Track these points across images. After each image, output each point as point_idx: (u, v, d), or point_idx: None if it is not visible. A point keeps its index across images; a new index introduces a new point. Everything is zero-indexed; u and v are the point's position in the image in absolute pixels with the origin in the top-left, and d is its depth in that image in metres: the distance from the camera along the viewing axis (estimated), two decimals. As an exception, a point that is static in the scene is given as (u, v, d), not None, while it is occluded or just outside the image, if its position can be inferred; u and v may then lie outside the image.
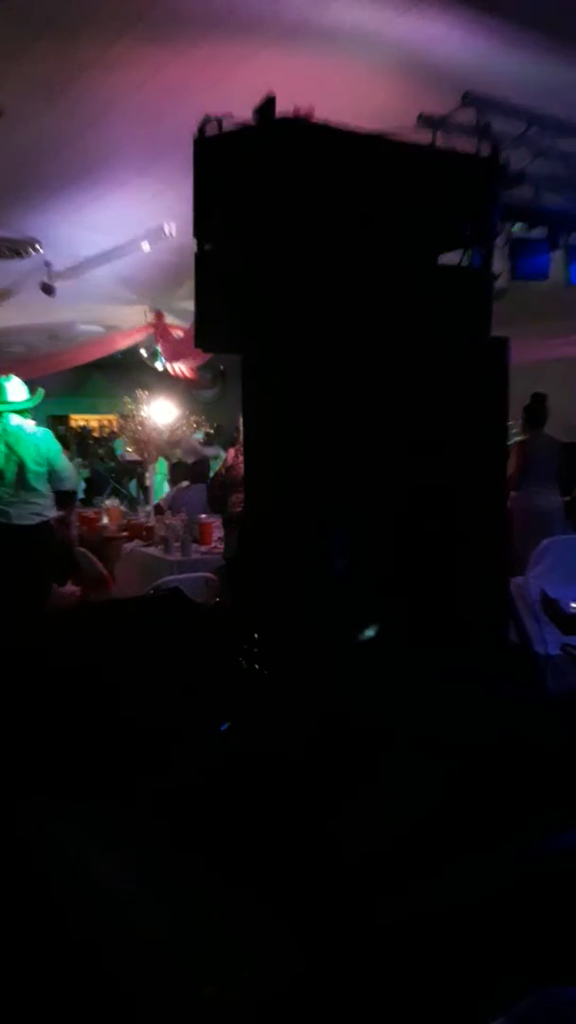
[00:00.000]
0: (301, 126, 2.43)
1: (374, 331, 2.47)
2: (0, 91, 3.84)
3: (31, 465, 5.12)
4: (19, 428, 5.20)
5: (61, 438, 11.82)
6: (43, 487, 5.19)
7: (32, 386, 5.60)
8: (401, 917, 1.54)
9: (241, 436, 4.64)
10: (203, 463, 8.06)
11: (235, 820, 1.79)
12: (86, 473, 11.23)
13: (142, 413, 7.60)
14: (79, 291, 6.75)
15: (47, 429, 5.49)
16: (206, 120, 2.43)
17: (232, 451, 4.80)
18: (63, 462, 5.33)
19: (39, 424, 5.46)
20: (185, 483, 7.70)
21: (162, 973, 1.49)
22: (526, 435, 6.33)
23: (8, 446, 5.12)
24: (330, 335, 2.39)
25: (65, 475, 5.30)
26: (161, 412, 7.64)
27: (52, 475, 5.19)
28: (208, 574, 5.04)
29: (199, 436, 9.38)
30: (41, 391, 5.46)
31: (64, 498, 5.78)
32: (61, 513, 6.05)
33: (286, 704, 2.16)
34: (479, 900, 1.60)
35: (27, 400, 5.31)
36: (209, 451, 9.33)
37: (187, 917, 1.59)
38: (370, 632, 2.35)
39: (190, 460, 8.26)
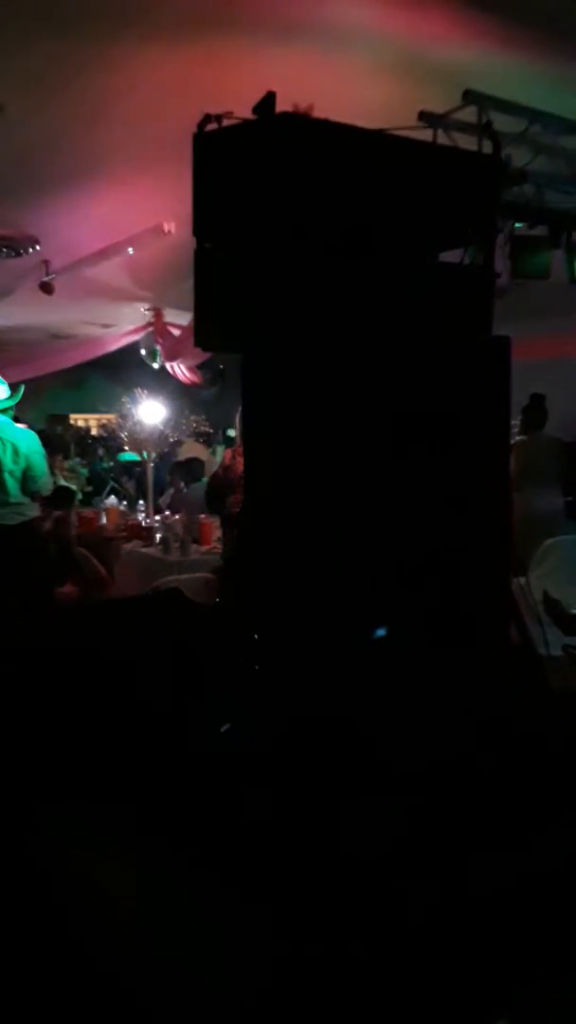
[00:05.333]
0: (301, 123, 2.41)
1: (375, 329, 2.45)
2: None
3: (8, 464, 5.09)
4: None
5: (60, 438, 11.82)
6: (22, 486, 5.16)
7: (28, 385, 5.58)
8: (401, 917, 1.53)
9: (238, 436, 4.63)
10: (196, 463, 8.07)
11: (235, 820, 1.78)
12: (86, 473, 11.22)
13: (139, 413, 7.62)
14: (78, 290, 6.73)
15: (31, 431, 5.45)
16: (205, 118, 2.41)
17: (229, 452, 4.79)
18: (40, 466, 5.27)
19: (38, 423, 5.43)
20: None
21: (162, 971, 1.47)
22: (525, 436, 6.32)
23: None
24: (330, 333, 2.37)
25: (39, 480, 5.23)
26: (151, 412, 7.64)
27: (25, 476, 5.15)
28: (208, 574, 5.03)
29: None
30: (22, 387, 5.43)
31: (61, 498, 5.75)
32: (60, 513, 6.03)
33: (286, 704, 2.14)
34: (479, 899, 1.59)
35: (8, 398, 5.28)
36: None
37: (187, 916, 1.58)
38: (370, 632, 2.34)
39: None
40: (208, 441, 10.87)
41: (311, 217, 2.36)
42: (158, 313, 7.99)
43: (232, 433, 6.16)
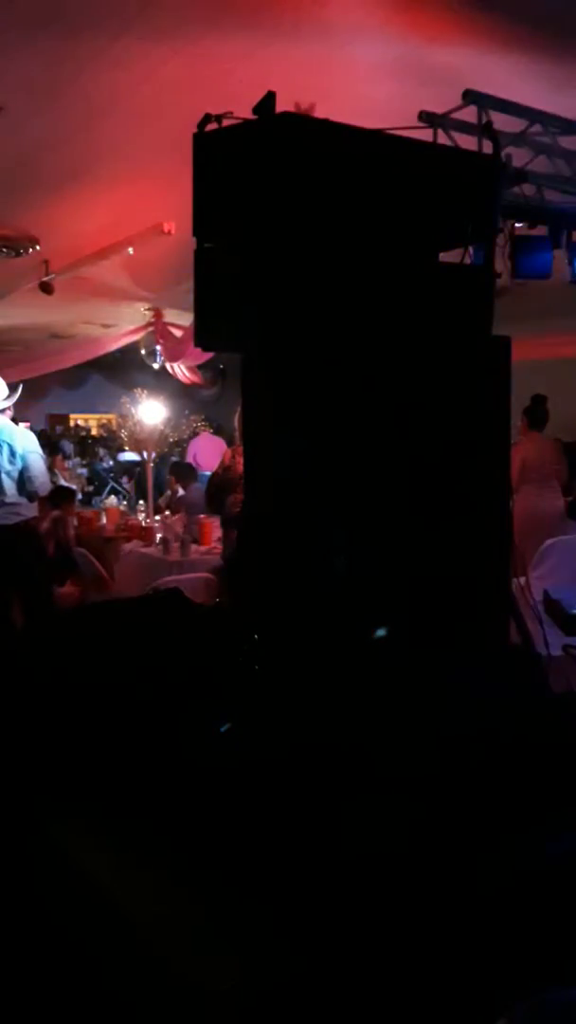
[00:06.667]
0: (301, 123, 2.41)
1: (375, 329, 2.45)
2: (0, 88, 3.83)
3: (5, 464, 5.08)
4: None
5: (59, 437, 11.81)
6: (19, 487, 5.15)
7: (28, 385, 5.57)
8: (400, 918, 1.52)
9: (238, 437, 4.62)
10: (185, 464, 8.10)
11: (234, 821, 1.77)
12: (85, 473, 11.23)
13: (139, 413, 7.62)
14: (78, 290, 6.73)
15: (28, 431, 5.44)
16: (206, 117, 2.41)
17: (229, 452, 4.78)
18: (37, 467, 5.26)
19: (38, 423, 5.43)
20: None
21: (161, 971, 1.47)
22: (526, 437, 6.33)
23: None
24: (331, 333, 2.37)
25: (36, 480, 5.21)
26: (151, 412, 7.64)
27: (22, 476, 5.14)
28: (208, 574, 5.03)
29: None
30: (20, 387, 5.42)
31: (60, 498, 5.73)
32: (57, 512, 6.02)
33: (286, 705, 2.14)
34: (480, 901, 1.59)
35: (6, 398, 5.27)
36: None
37: (187, 917, 1.57)
38: (371, 632, 2.34)
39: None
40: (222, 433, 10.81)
41: (311, 217, 2.35)
42: (158, 313, 7.99)
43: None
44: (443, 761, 1.98)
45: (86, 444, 12.77)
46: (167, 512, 7.19)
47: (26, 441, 5.23)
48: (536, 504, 5.91)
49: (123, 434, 8.17)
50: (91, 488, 10.55)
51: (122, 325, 8.65)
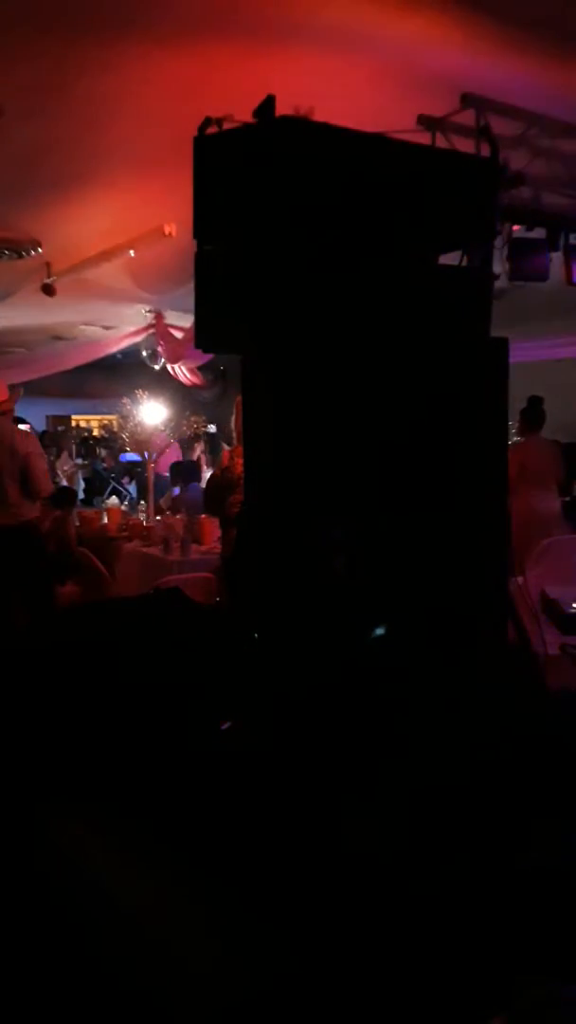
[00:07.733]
0: (301, 126, 2.43)
1: (374, 330, 2.47)
2: (0, 91, 3.84)
3: (6, 464, 5.10)
4: None
5: (61, 438, 11.83)
6: (21, 487, 5.16)
7: (30, 386, 5.60)
8: (400, 916, 1.54)
9: (236, 437, 4.64)
10: (189, 464, 8.11)
11: (234, 819, 1.79)
12: (86, 473, 11.26)
13: (140, 414, 7.65)
14: (79, 292, 6.75)
15: (30, 432, 5.46)
16: (206, 121, 2.43)
17: (227, 453, 4.80)
18: (39, 467, 5.27)
19: (39, 423, 5.45)
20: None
21: (161, 970, 1.49)
22: (523, 438, 6.35)
23: None
24: (330, 334, 2.39)
25: (37, 481, 5.23)
26: (152, 413, 7.67)
27: (23, 477, 5.16)
28: (208, 574, 5.05)
29: None
30: (21, 390, 5.44)
31: (63, 498, 5.75)
32: (58, 513, 6.05)
33: (285, 703, 2.16)
34: (479, 898, 1.60)
35: (6, 400, 5.29)
36: None
37: (187, 914, 1.59)
38: (370, 631, 2.36)
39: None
40: (209, 443, 10.90)
41: (311, 219, 2.38)
42: (159, 315, 8.01)
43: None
44: (442, 759, 2.00)
45: (87, 445, 12.81)
46: (168, 512, 7.21)
47: (27, 442, 5.25)
48: (533, 505, 5.93)
49: (124, 435, 8.20)
50: (84, 485, 10.61)
51: (123, 327, 8.67)
